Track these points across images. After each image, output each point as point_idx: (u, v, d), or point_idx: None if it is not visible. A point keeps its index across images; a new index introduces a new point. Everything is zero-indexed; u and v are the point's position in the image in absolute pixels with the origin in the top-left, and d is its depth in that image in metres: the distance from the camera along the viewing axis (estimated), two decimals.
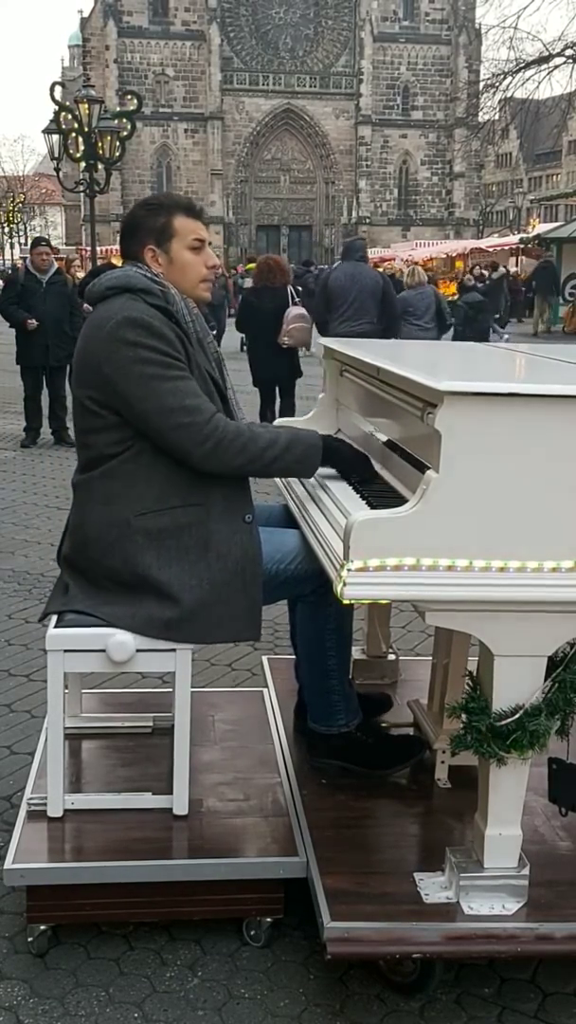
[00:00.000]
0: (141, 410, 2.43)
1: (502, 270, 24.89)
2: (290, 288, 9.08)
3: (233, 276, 22.55)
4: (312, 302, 9.34)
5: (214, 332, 13.98)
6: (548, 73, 25.14)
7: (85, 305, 2.82)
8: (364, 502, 2.53)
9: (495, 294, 21.21)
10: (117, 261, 2.73)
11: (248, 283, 20.83)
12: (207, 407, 2.46)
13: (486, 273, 23.44)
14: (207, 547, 2.49)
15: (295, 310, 8.73)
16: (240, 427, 2.50)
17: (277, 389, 9.21)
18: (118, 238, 2.72)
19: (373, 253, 42.93)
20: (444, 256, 36.43)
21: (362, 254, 9.00)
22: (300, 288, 12.37)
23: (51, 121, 18.50)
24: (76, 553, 2.62)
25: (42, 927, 2.46)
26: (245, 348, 10.54)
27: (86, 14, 58.79)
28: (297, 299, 9.13)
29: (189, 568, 2.48)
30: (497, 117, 29.60)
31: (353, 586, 2.04)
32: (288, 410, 9.09)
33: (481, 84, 28.37)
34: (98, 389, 2.48)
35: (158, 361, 2.42)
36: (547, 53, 24.78)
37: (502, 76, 25.58)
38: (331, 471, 2.77)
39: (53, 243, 11.58)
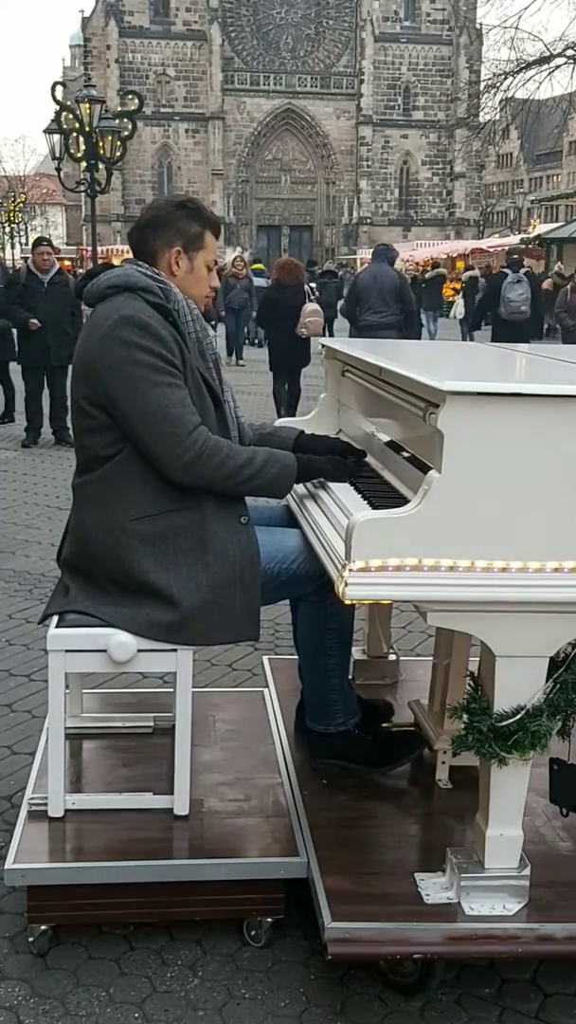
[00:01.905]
0: (125, 412, 2.43)
1: (440, 270, 26.51)
2: (307, 286, 10.72)
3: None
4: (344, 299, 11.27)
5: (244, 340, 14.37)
6: (549, 73, 25.16)
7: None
8: (366, 502, 2.53)
9: (431, 288, 23.70)
10: (116, 261, 2.71)
11: (257, 282, 20.74)
12: (190, 419, 2.44)
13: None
14: (204, 550, 2.48)
15: (311, 306, 10.40)
16: (220, 442, 2.48)
17: (288, 374, 10.80)
18: (133, 232, 2.65)
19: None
20: (445, 256, 36.45)
21: (387, 257, 10.39)
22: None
23: (52, 121, 18.47)
24: (76, 555, 2.62)
25: (43, 927, 2.46)
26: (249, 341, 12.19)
27: (87, 14, 58.81)
28: (313, 296, 10.84)
29: (187, 571, 2.47)
30: (498, 117, 29.60)
31: (355, 586, 2.04)
32: (294, 396, 10.80)
33: (482, 84, 28.37)
34: (91, 388, 2.48)
35: (150, 364, 2.42)
36: (548, 53, 24.79)
37: (503, 76, 25.59)
38: None
39: (54, 243, 11.55)
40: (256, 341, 18.07)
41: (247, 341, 19.30)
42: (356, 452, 2.87)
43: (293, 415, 11.32)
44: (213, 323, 16.97)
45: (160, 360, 2.43)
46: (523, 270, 12.75)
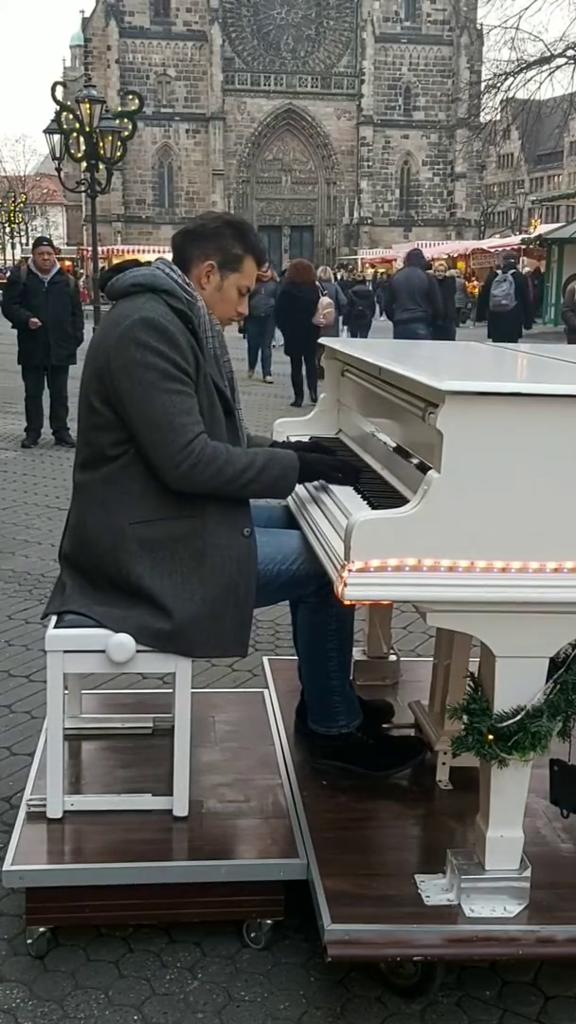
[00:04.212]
0: (130, 414, 2.43)
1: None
2: (318, 283, 13.35)
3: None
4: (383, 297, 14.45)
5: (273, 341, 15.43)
6: (550, 74, 25.18)
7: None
8: (365, 502, 2.52)
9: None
10: (148, 258, 2.71)
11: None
12: (192, 428, 2.42)
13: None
14: (202, 561, 2.47)
15: (325, 299, 12.83)
16: (218, 449, 2.45)
17: (303, 359, 12.87)
18: (177, 235, 2.64)
19: (374, 254, 43.06)
20: (446, 256, 36.44)
21: (420, 261, 12.61)
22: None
23: (52, 121, 18.47)
24: (76, 552, 2.62)
25: (41, 929, 2.45)
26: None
27: (88, 14, 58.79)
28: (325, 291, 13.41)
29: (182, 581, 2.46)
30: (499, 118, 29.56)
31: (354, 586, 2.03)
32: (312, 375, 12.69)
33: (483, 85, 28.38)
34: (103, 385, 2.48)
35: (161, 369, 2.40)
36: (549, 54, 24.79)
37: (504, 77, 25.60)
38: None
39: (54, 243, 11.56)
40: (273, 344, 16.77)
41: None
42: (324, 449, 2.86)
43: (315, 392, 11.99)
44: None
45: (172, 366, 2.42)
46: (511, 271, 15.88)
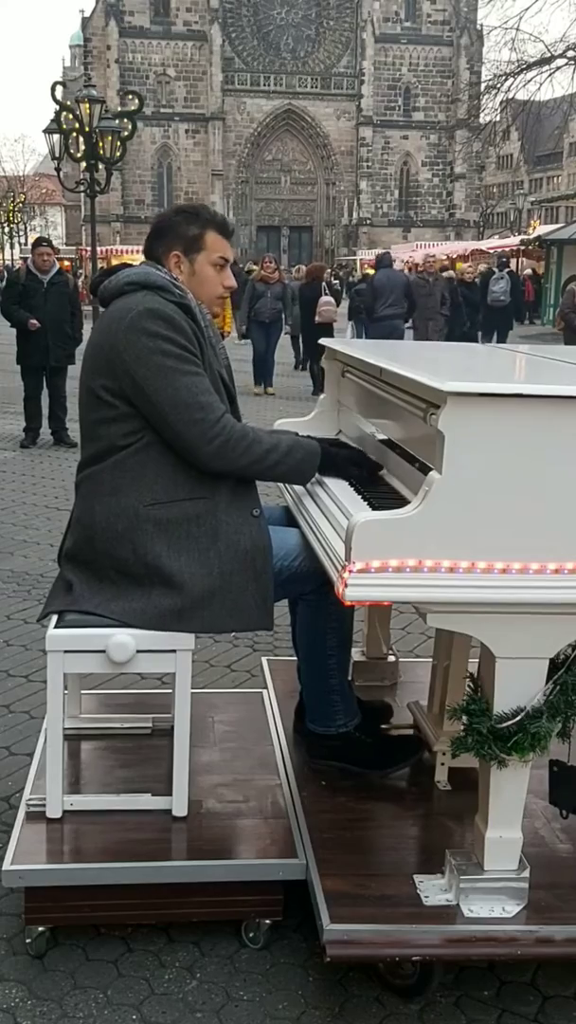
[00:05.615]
0: (155, 401, 2.45)
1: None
2: (323, 284, 14.57)
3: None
4: (363, 296, 14.80)
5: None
6: (550, 75, 25.16)
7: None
8: (365, 503, 2.52)
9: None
10: (135, 261, 2.76)
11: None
12: (218, 406, 2.49)
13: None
14: (216, 537, 2.50)
15: (325, 297, 14.06)
16: (246, 428, 2.53)
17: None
18: (144, 242, 2.75)
19: (373, 255, 43.07)
20: (445, 257, 36.47)
21: (390, 262, 13.68)
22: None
23: (52, 121, 18.44)
24: (81, 547, 2.61)
25: (40, 928, 2.45)
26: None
27: (88, 14, 58.83)
28: (328, 291, 14.67)
29: (199, 557, 2.49)
30: (498, 118, 29.55)
31: (355, 587, 2.03)
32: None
33: (482, 85, 28.39)
34: (114, 378, 2.49)
35: (176, 354, 2.45)
36: (549, 55, 24.78)
37: (503, 77, 25.59)
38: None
39: (53, 243, 11.55)
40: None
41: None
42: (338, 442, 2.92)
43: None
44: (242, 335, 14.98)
45: (184, 351, 2.47)
46: (506, 269, 18.00)
